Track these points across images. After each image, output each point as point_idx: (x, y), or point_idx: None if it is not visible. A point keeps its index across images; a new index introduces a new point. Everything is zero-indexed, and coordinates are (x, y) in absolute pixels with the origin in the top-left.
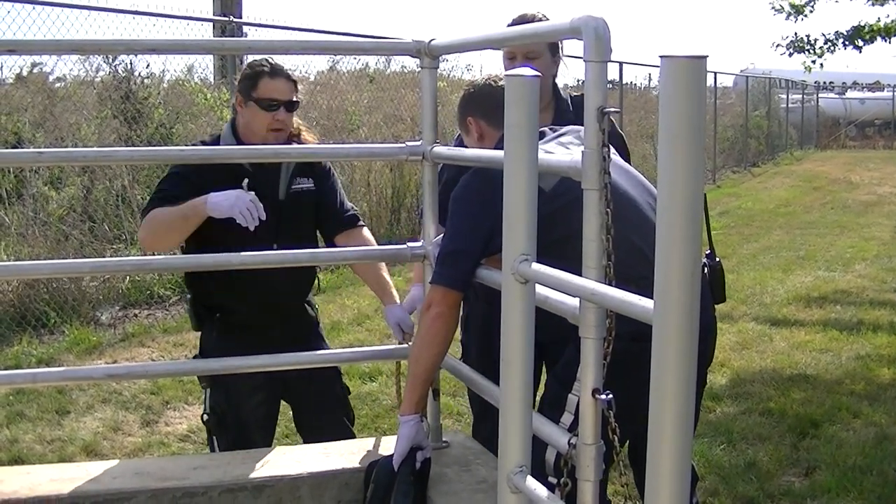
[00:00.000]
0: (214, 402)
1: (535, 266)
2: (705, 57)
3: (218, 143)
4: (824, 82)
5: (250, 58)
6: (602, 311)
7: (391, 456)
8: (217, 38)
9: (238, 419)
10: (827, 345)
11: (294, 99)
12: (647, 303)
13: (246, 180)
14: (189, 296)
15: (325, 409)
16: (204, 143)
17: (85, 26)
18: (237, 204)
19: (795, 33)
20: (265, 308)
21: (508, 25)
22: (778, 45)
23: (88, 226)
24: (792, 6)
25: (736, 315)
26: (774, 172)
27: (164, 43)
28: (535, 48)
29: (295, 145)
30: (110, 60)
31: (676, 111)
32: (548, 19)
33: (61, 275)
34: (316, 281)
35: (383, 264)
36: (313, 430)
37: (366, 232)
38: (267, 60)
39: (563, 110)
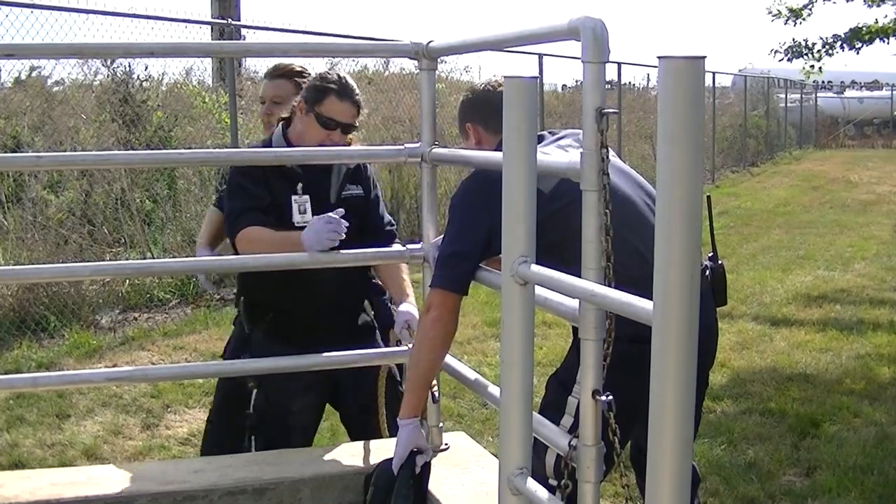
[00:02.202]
0: (258, 402)
1: (535, 268)
2: (703, 57)
3: (269, 146)
4: (823, 82)
5: (253, 61)
6: (602, 312)
7: (391, 459)
8: (215, 41)
9: (280, 420)
10: (827, 344)
11: (354, 122)
12: (646, 304)
13: (300, 185)
14: (241, 297)
15: (369, 412)
16: (253, 146)
17: (83, 30)
18: (324, 235)
19: (793, 38)
20: (313, 305)
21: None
22: (776, 52)
23: (88, 229)
24: (790, 10)
25: (736, 315)
26: (773, 172)
27: (162, 46)
28: (279, 93)
29: (297, 148)
30: (108, 64)
31: (675, 112)
32: (307, 73)
33: (61, 279)
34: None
35: (405, 266)
36: (358, 435)
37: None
38: (339, 77)
39: None
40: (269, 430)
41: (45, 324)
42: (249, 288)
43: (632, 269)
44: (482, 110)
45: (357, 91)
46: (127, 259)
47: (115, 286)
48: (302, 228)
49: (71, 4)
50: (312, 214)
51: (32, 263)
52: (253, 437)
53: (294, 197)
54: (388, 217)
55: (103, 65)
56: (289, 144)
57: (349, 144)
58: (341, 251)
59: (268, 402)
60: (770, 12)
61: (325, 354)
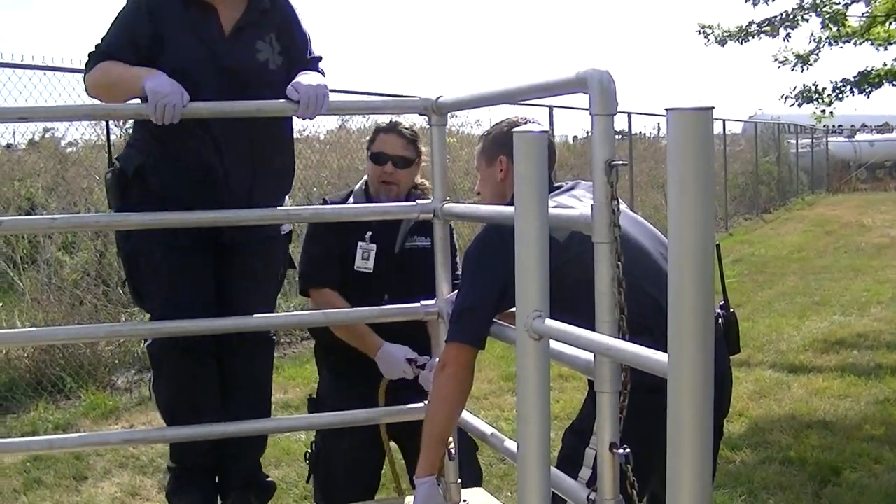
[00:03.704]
0: (317, 440)
1: (549, 322)
2: (711, 108)
3: (348, 199)
4: (833, 126)
5: None
6: (617, 365)
7: None
8: (228, 101)
9: (328, 460)
10: (845, 390)
11: (406, 155)
12: (660, 356)
13: (369, 233)
14: (315, 343)
15: None
16: (329, 201)
17: None
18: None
19: (803, 84)
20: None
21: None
22: (787, 97)
23: (102, 290)
24: (797, 56)
25: (752, 363)
26: (786, 218)
27: None
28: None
29: (293, 207)
30: (122, 124)
31: (685, 163)
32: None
33: (76, 340)
34: None
35: None
36: None
37: None
38: (391, 119)
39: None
40: (326, 469)
41: (61, 385)
42: (318, 332)
43: (648, 318)
44: None
45: (406, 125)
46: (142, 319)
47: (130, 346)
48: (362, 274)
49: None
50: (376, 262)
51: (48, 325)
52: (311, 477)
53: (361, 243)
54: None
55: (116, 125)
56: (367, 194)
57: (421, 188)
58: (353, 309)
59: (324, 441)
60: (777, 59)
61: (365, 411)
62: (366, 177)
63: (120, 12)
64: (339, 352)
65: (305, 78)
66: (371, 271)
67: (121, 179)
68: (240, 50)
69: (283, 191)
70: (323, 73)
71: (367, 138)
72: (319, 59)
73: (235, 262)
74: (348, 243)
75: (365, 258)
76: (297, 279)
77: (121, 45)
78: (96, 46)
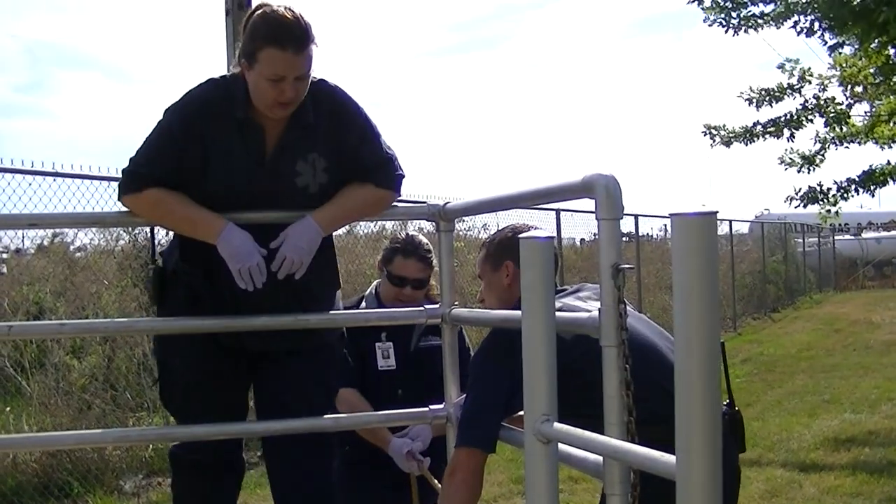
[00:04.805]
0: None
1: (557, 425)
2: (714, 213)
3: (361, 304)
4: (840, 224)
5: None
6: (626, 466)
7: None
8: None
9: None
10: (857, 488)
11: (424, 277)
12: (669, 458)
13: (384, 333)
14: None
15: None
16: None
17: (105, 197)
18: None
19: (808, 185)
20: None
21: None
22: (792, 199)
23: (111, 394)
24: (803, 158)
25: (763, 462)
26: (794, 317)
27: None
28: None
29: (301, 316)
30: (130, 230)
31: (689, 267)
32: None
33: (84, 445)
34: None
35: None
36: None
37: None
38: (407, 236)
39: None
40: None
41: (68, 489)
42: None
43: (662, 409)
44: None
45: (425, 247)
46: (150, 423)
47: (138, 451)
48: (385, 372)
49: (93, 172)
50: (395, 360)
51: (56, 429)
52: None
53: (378, 343)
54: None
55: (125, 231)
56: (378, 300)
57: (431, 296)
58: (365, 413)
59: None
60: (783, 162)
61: None
62: (377, 282)
63: (163, 127)
64: (354, 444)
65: (295, 231)
66: (394, 368)
67: (161, 277)
68: (278, 172)
69: (331, 285)
70: (392, 183)
71: (382, 255)
72: (387, 162)
73: (274, 369)
74: (365, 344)
75: (385, 357)
76: None
77: (166, 169)
78: (135, 164)
